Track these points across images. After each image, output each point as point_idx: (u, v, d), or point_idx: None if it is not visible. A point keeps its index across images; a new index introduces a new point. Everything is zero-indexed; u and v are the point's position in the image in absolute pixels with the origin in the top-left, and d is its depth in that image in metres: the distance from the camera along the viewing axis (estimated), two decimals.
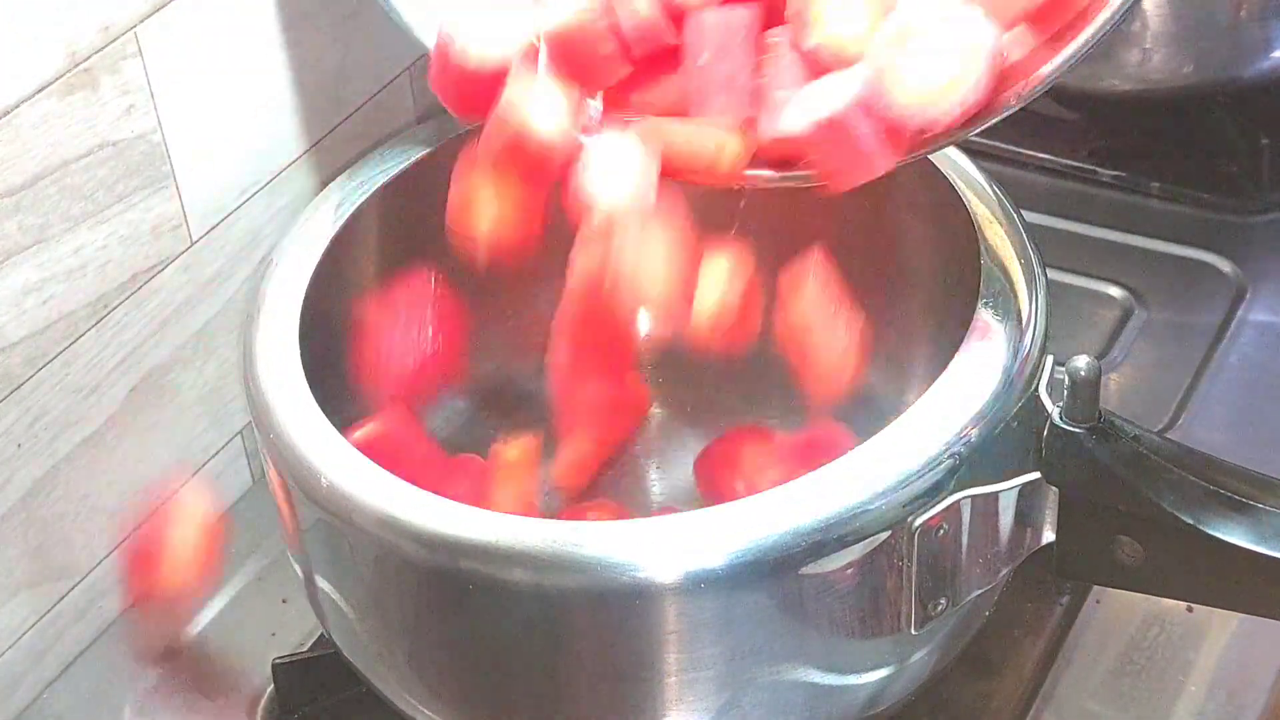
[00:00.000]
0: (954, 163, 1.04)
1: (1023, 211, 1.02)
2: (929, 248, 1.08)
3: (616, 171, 0.88)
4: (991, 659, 1.03)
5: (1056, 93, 1.39)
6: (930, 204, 1.05)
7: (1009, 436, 0.90)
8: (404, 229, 1.10)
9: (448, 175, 1.10)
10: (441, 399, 1.14)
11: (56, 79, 0.97)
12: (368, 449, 0.95)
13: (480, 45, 0.90)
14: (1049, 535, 0.94)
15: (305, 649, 1.08)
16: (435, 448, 1.08)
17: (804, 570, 0.86)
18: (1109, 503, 0.91)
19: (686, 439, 1.15)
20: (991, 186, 1.03)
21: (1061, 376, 0.91)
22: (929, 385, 0.91)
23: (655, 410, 1.17)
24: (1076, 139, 1.39)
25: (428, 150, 1.08)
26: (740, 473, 1.05)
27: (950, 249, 1.05)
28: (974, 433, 0.89)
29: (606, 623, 0.87)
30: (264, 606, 1.11)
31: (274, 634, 1.09)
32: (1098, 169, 1.37)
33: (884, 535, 0.87)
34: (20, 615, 1.06)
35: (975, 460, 0.89)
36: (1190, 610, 1.05)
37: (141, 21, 1.01)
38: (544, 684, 0.91)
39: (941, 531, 0.88)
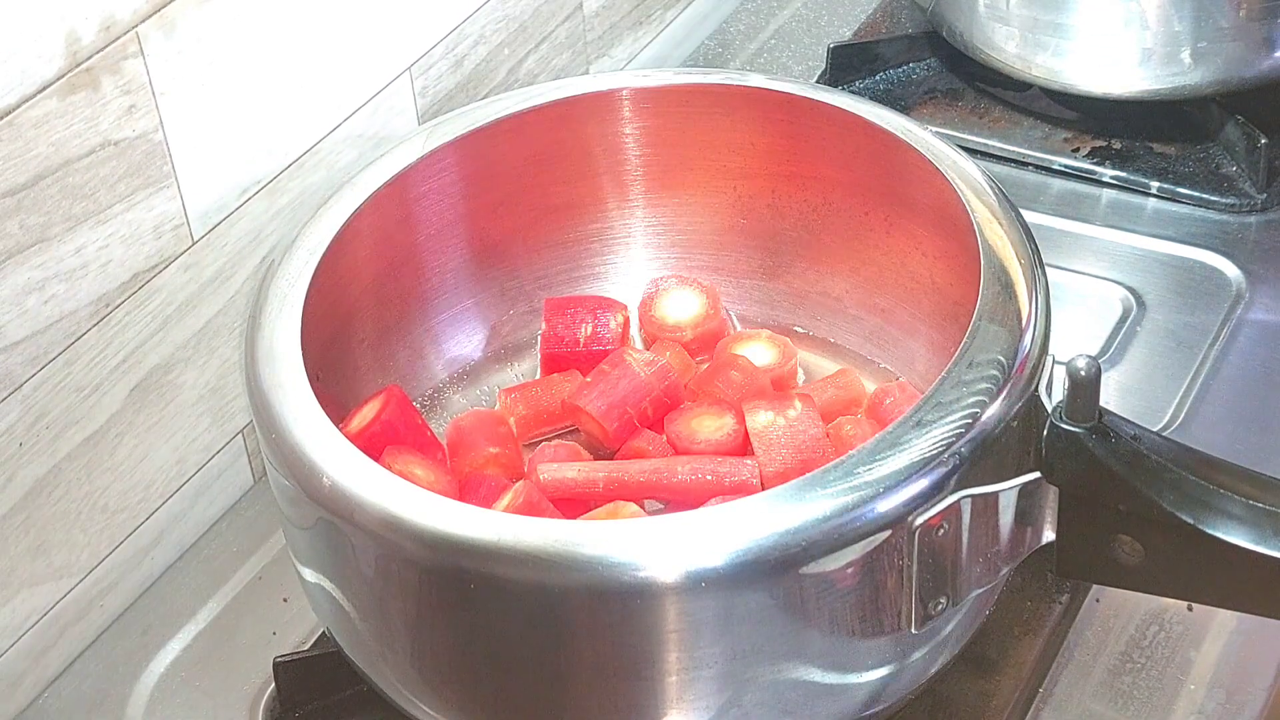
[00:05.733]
0: (954, 163, 1.04)
1: (1023, 211, 1.02)
2: (929, 247, 1.08)
3: None
4: (991, 658, 1.04)
5: (1057, 93, 1.40)
6: (930, 204, 1.06)
7: (1009, 436, 0.91)
8: (404, 229, 1.10)
9: (447, 176, 1.10)
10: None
11: (58, 79, 0.97)
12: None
13: None
14: (1049, 534, 0.94)
15: (306, 647, 1.08)
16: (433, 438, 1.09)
17: (804, 570, 0.86)
18: (1109, 502, 0.91)
19: None
20: (991, 186, 1.03)
21: (1061, 376, 0.91)
22: (929, 384, 0.91)
23: None
24: (1076, 139, 1.39)
25: (427, 151, 1.08)
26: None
27: (950, 249, 1.05)
28: (974, 432, 0.89)
29: (607, 622, 0.87)
30: (265, 606, 1.11)
31: (275, 633, 1.09)
32: (1098, 169, 1.37)
33: (884, 535, 0.87)
34: (22, 614, 1.06)
35: (975, 460, 0.89)
36: (1190, 609, 1.05)
37: (143, 21, 1.01)
38: (545, 683, 0.91)
39: (942, 531, 0.89)
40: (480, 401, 1.16)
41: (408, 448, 1.05)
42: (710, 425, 1.08)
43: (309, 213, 1.05)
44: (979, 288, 0.95)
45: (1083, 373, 0.90)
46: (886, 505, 0.86)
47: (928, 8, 1.45)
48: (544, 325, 1.16)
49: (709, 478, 1.03)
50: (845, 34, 1.52)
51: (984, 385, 0.90)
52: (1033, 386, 0.92)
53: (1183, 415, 1.17)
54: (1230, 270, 1.27)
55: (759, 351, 1.14)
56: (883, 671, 0.93)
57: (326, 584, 0.95)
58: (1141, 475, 0.91)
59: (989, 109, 1.43)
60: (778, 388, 1.12)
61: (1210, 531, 0.90)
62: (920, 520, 0.87)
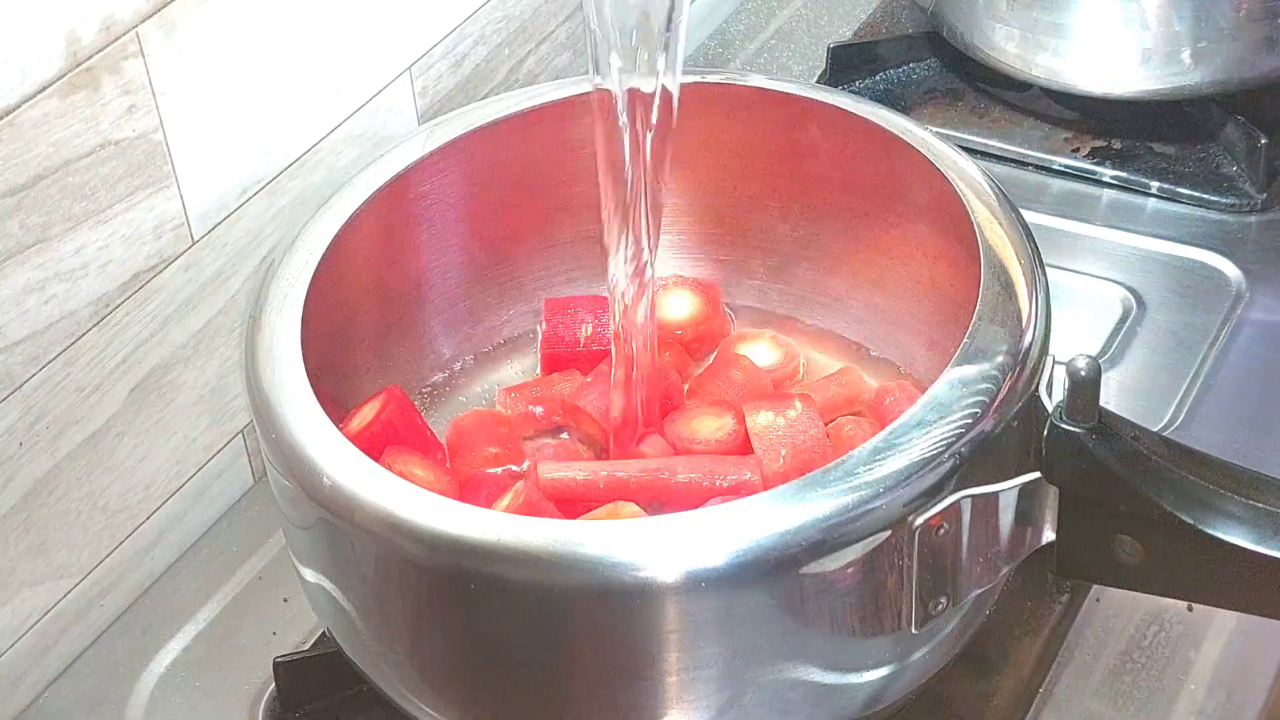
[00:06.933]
0: (954, 163, 1.04)
1: (1023, 211, 1.02)
2: (929, 247, 1.08)
3: None
4: (991, 658, 1.04)
5: (1057, 93, 1.40)
6: (930, 204, 1.06)
7: (1009, 436, 0.91)
8: (405, 229, 1.10)
9: (447, 176, 1.10)
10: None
11: (58, 78, 0.98)
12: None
13: None
14: (1049, 534, 0.95)
15: (306, 647, 1.08)
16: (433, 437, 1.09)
17: (804, 570, 0.86)
18: (1109, 502, 0.92)
19: None
20: (991, 186, 1.03)
21: (1061, 376, 0.91)
22: (929, 384, 0.91)
23: None
24: (1076, 139, 1.39)
25: (427, 151, 1.08)
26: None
27: (950, 249, 1.05)
28: (974, 432, 0.89)
29: (607, 622, 0.87)
30: (265, 605, 1.11)
31: (275, 633, 1.09)
32: (1098, 169, 1.37)
33: (884, 534, 0.87)
34: (22, 614, 1.06)
35: (975, 460, 0.89)
36: (1190, 609, 1.05)
37: (143, 21, 1.01)
38: (545, 683, 0.91)
39: (942, 531, 0.89)
40: (480, 401, 1.16)
41: (408, 448, 1.05)
42: (710, 425, 1.08)
43: (309, 213, 1.05)
44: (979, 288, 0.95)
45: (1083, 373, 0.90)
46: (886, 505, 0.86)
47: (928, 8, 1.45)
48: (544, 325, 1.16)
49: (709, 478, 1.03)
50: (845, 34, 1.52)
51: (984, 385, 0.90)
52: (1033, 386, 0.92)
53: (1183, 415, 1.17)
54: (1230, 270, 1.27)
55: (762, 352, 1.14)
56: (883, 671, 0.93)
57: (326, 584, 0.95)
58: (1141, 475, 0.91)
59: (989, 109, 1.43)
60: (778, 387, 1.12)
61: (1210, 531, 0.90)
62: (920, 520, 0.88)
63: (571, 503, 1.03)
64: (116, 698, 1.07)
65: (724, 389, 1.10)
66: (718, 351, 1.15)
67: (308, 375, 0.94)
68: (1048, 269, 0.99)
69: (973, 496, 0.89)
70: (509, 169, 1.13)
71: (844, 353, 1.15)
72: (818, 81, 1.46)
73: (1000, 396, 0.90)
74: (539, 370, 1.16)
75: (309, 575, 0.97)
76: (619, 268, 1.02)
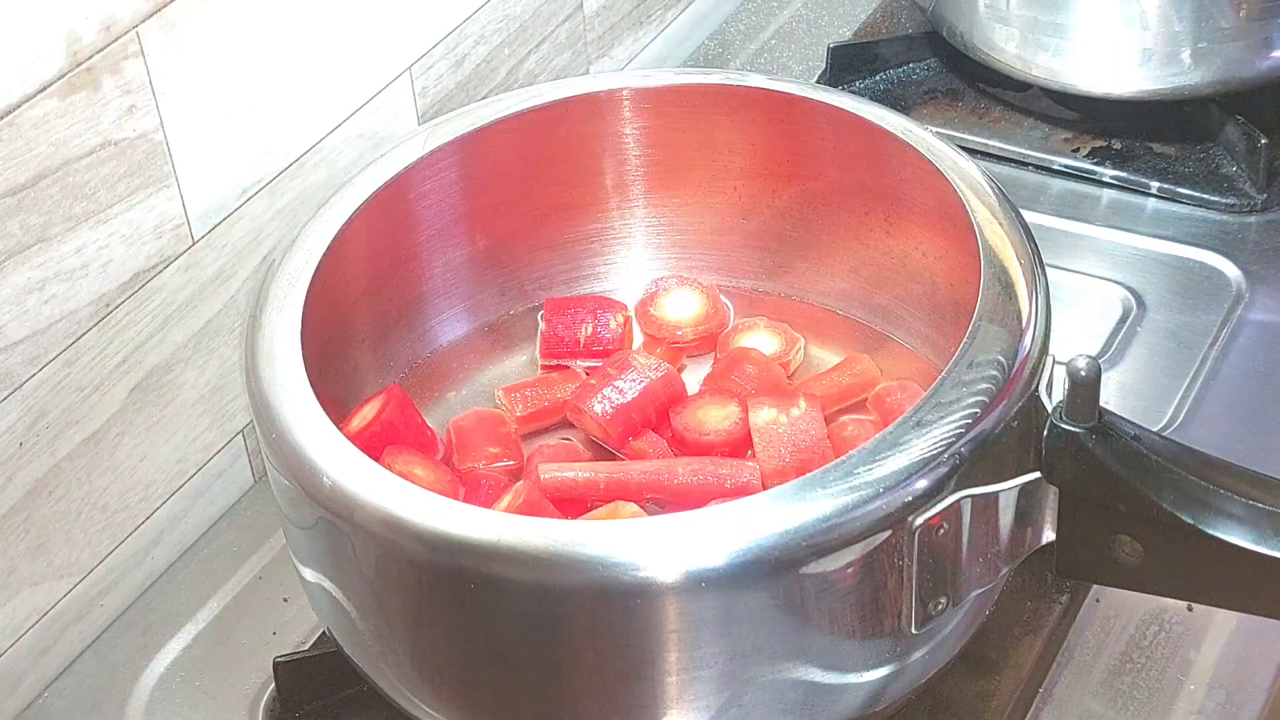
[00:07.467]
0: (954, 163, 1.04)
1: (1023, 211, 1.02)
2: (929, 247, 1.08)
3: None
4: (991, 658, 1.04)
5: (1057, 93, 1.40)
6: (930, 204, 1.06)
7: (1009, 436, 0.91)
8: (404, 229, 1.10)
9: (447, 176, 1.10)
10: None
11: (59, 78, 0.98)
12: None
13: None
14: (1049, 534, 0.95)
15: (306, 647, 1.08)
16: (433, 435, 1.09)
17: (804, 570, 0.86)
18: (1109, 502, 0.91)
19: None
20: (992, 186, 1.03)
21: (1061, 376, 0.91)
22: (929, 384, 0.91)
23: None
24: (1076, 139, 1.39)
25: (427, 151, 1.08)
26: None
27: (950, 249, 1.05)
28: (974, 432, 0.89)
29: (607, 622, 0.87)
30: (265, 605, 1.11)
31: (275, 633, 1.09)
32: (1098, 169, 1.37)
33: (884, 535, 0.87)
34: (22, 613, 1.06)
35: (975, 460, 0.89)
36: (1190, 609, 1.05)
37: (143, 21, 1.01)
38: (545, 682, 0.91)
39: (942, 531, 0.89)
40: (480, 401, 1.16)
41: (408, 448, 1.05)
42: (717, 415, 1.08)
43: (309, 213, 1.05)
44: (979, 288, 0.95)
45: (1083, 373, 0.90)
46: (886, 505, 0.86)
47: (928, 8, 1.45)
48: (544, 325, 1.16)
49: (710, 479, 1.03)
50: (845, 34, 1.52)
51: (984, 385, 0.90)
52: (1033, 386, 0.92)
53: (1183, 415, 1.17)
54: (1230, 270, 1.27)
55: (763, 340, 1.14)
56: (883, 671, 0.93)
57: (326, 584, 0.95)
58: (1141, 475, 0.91)
59: (989, 109, 1.43)
60: (789, 375, 1.12)
61: (1210, 531, 0.90)
62: (920, 520, 0.88)
63: (571, 503, 1.04)
64: (116, 698, 1.07)
65: (740, 384, 1.10)
66: (718, 346, 1.15)
67: (308, 375, 0.94)
68: (1048, 269, 0.99)
69: (973, 496, 0.89)
70: (509, 169, 1.13)
71: (843, 352, 1.15)
72: (818, 81, 1.46)
73: (1000, 396, 0.90)
74: (539, 370, 1.16)
75: (309, 575, 0.97)
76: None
